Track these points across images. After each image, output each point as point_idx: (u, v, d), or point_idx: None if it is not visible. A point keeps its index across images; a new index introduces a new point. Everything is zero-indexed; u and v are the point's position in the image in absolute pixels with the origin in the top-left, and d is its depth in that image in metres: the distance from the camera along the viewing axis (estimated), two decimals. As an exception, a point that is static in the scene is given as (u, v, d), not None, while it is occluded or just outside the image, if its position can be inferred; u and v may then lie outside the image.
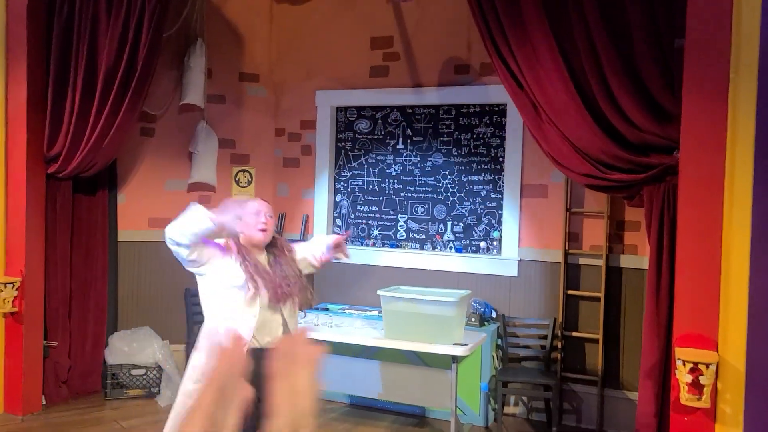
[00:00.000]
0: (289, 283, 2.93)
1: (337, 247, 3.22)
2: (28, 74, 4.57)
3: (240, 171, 5.86)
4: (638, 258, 4.62)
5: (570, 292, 4.81)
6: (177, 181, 5.60)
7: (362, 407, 4.96)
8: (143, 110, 5.18)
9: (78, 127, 4.71)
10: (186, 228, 2.75)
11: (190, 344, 5.33)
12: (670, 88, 3.37)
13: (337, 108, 5.74)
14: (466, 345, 4.02)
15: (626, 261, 4.67)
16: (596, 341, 4.72)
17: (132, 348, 5.12)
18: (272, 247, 3.04)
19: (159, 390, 5.06)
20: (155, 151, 5.55)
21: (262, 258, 3.00)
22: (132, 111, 4.86)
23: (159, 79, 5.26)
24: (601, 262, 4.70)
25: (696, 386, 3.02)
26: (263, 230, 2.92)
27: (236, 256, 2.89)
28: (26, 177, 4.59)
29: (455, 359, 4.08)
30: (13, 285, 4.56)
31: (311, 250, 3.27)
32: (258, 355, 2.54)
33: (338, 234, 3.31)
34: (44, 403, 4.81)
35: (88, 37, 4.67)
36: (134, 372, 5.07)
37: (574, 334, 4.80)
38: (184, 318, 5.48)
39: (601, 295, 4.68)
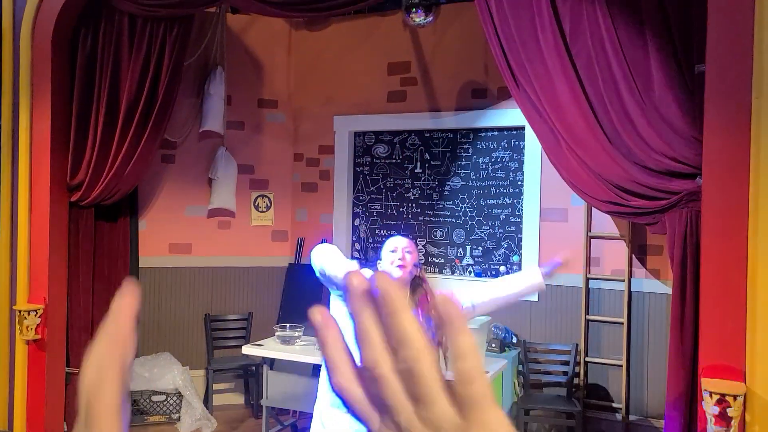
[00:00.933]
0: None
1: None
2: (52, 105, 4.65)
3: (259, 196, 5.89)
4: (661, 282, 4.56)
5: (591, 317, 4.75)
6: (197, 206, 5.65)
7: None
8: (164, 137, 5.25)
9: (100, 156, 4.77)
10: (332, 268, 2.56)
11: (210, 370, 5.35)
12: (690, 113, 3.33)
13: (355, 133, 5.77)
14: (487, 372, 3.98)
15: (649, 285, 4.61)
16: (619, 367, 4.64)
17: (152, 374, 5.14)
18: (417, 288, 2.76)
19: (179, 416, 5.06)
20: (175, 178, 5.61)
21: None
22: (153, 139, 4.92)
23: (179, 107, 5.33)
24: (623, 286, 4.64)
25: (723, 418, 2.95)
26: (401, 266, 2.70)
27: None
28: (49, 205, 4.66)
29: (476, 387, 4.03)
30: (36, 312, 4.61)
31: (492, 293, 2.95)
32: None
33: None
34: (66, 429, 4.83)
35: (110, 68, 4.75)
36: (154, 398, 5.09)
37: (597, 360, 4.73)
38: (204, 344, 5.49)
39: (624, 320, 4.61)
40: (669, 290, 4.33)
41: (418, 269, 2.78)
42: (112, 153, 4.79)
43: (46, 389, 4.65)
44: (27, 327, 4.58)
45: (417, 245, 5.52)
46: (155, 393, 5.08)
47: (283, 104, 5.92)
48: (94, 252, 5.07)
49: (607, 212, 3.79)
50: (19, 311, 4.59)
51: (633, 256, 4.65)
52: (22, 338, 4.63)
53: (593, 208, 4.67)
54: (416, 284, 2.74)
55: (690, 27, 3.30)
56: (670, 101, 3.35)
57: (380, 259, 2.77)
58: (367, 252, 5.75)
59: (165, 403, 5.10)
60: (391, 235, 5.56)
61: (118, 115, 4.78)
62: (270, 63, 5.88)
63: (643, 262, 4.64)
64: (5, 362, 4.87)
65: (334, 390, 0.43)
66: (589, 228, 4.77)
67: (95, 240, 5.07)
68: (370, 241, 5.74)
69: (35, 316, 4.60)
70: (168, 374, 5.13)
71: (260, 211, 5.90)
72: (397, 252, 2.72)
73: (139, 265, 5.44)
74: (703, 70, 3.18)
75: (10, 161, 4.83)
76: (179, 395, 5.11)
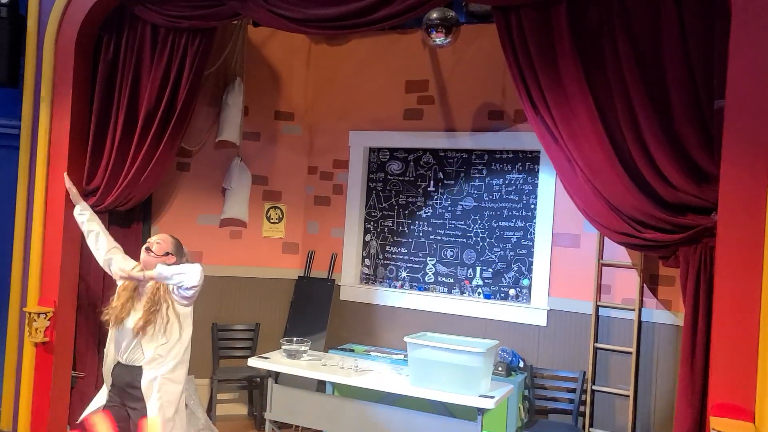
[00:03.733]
0: None
1: None
2: (72, 110, 4.70)
3: (271, 207, 5.91)
4: (672, 314, 4.52)
5: (600, 345, 4.72)
6: (209, 215, 5.68)
7: (384, 453, 4.88)
8: (180, 146, 5.28)
9: (117, 163, 4.81)
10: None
11: (215, 380, 5.35)
12: (708, 148, 3.32)
13: (370, 149, 5.79)
14: (492, 398, 3.95)
15: (659, 316, 4.57)
16: (627, 397, 4.60)
17: (158, 381, 5.13)
18: None
19: (182, 425, 5.05)
20: (190, 186, 5.64)
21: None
22: (170, 148, 4.95)
23: (197, 116, 5.37)
24: (633, 315, 4.61)
25: (732, 458, 2.91)
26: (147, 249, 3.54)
27: None
28: (64, 210, 4.70)
29: (481, 411, 4.01)
30: (46, 315, 4.64)
31: None
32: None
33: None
34: (69, 432, 4.84)
35: (131, 76, 4.80)
36: (159, 405, 5.08)
37: (604, 388, 4.69)
38: (210, 353, 5.50)
39: (633, 349, 4.58)
40: (680, 322, 4.30)
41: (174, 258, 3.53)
42: (129, 160, 4.83)
43: (52, 392, 4.67)
44: (36, 329, 4.61)
45: (427, 264, 5.51)
46: (159, 400, 5.07)
47: (300, 117, 5.95)
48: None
49: (620, 243, 3.78)
50: (29, 313, 4.63)
51: (644, 285, 4.62)
52: (31, 340, 4.66)
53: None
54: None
55: (711, 63, 3.30)
56: (688, 135, 3.35)
57: None
58: (376, 268, 5.75)
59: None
60: (401, 252, 5.58)
61: (136, 123, 4.82)
62: (288, 76, 5.92)
63: (654, 292, 4.61)
64: (13, 363, 4.90)
65: None
66: (601, 255, 4.75)
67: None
68: (380, 257, 5.74)
69: (45, 318, 4.63)
70: (173, 382, 5.13)
71: (272, 223, 5.92)
72: (148, 242, 3.56)
73: (150, 272, 5.45)
74: (722, 106, 3.17)
75: (28, 165, 4.88)
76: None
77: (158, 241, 3.56)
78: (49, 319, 4.64)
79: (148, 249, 3.51)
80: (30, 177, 4.87)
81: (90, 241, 4.23)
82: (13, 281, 4.91)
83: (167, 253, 3.51)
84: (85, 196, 4.88)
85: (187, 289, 3.30)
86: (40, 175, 4.78)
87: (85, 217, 4.39)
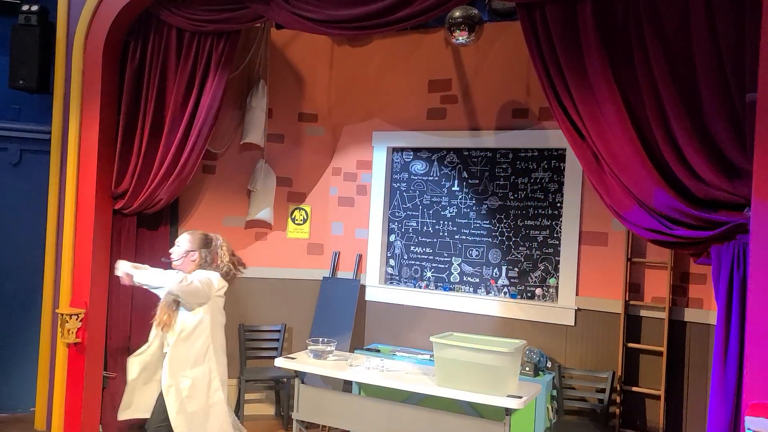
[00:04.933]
0: None
1: None
2: (100, 116, 4.78)
3: (296, 209, 5.94)
4: (704, 312, 4.44)
5: (630, 344, 4.65)
6: (235, 217, 5.73)
7: (411, 453, 4.87)
8: (206, 149, 5.32)
9: (144, 166, 4.88)
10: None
11: (242, 380, 5.39)
12: (740, 142, 3.25)
13: (394, 149, 5.79)
14: (520, 398, 3.92)
15: (691, 315, 4.49)
16: (657, 397, 4.53)
17: (186, 381, 5.18)
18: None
19: (211, 425, 5.10)
20: (215, 188, 5.69)
21: None
22: (196, 151, 5.00)
23: (221, 119, 5.41)
24: (663, 314, 4.53)
25: (768, 459, 2.85)
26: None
27: None
28: (94, 213, 4.78)
29: (508, 411, 3.97)
30: (77, 316, 4.72)
31: None
32: None
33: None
34: (101, 432, 4.92)
35: (157, 81, 4.86)
36: (187, 406, 5.13)
37: (634, 388, 4.62)
38: (237, 353, 5.54)
39: (664, 349, 4.50)
40: (711, 321, 4.22)
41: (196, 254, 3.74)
42: (156, 163, 4.90)
43: (84, 392, 4.75)
44: (68, 330, 4.69)
45: (452, 263, 5.48)
46: (188, 401, 5.12)
47: (323, 118, 5.97)
48: (135, 259, 5.15)
49: (650, 240, 3.71)
50: (62, 315, 4.71)
51: (675, 283, 4.54)
52: (63, 341, 4.75)
53: (635, 234, 4.58)
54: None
55: (742, 55, 3.22)
56: (719, 129, 3.28)
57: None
58: (401, 269, 5.74)
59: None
60: (425, 252, 5.57)
61: (163, 126, 4.89)
62: (311, 77, 5.94)
63: (685, 291, 4.53)
64: (46, 364, 5.00)
65: None
66: (629, 253, 4.68)
67: (136, 247, 5.17)
68: (405, 257, 5.73)
69: (76, 320, 4.71)
70: (201, 383, 5.18)
71: (297, 224, 5.95)
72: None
73: (177, 273, 5.51)
74: (754, 99, 3.10)
75: (59, 169, 4.98)
76: (211, 404, 5.14)
77: (177, 244, 3.71)
78: (80, 320, 4.72)
79: (169, 261, 3.74)
80: (61, 181, 4.96)
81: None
82: (46, 283, 5.01)
83: (188, 252, 3.67)
84: (114, 199, 4.96)
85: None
86: (70, 179, 4.86)
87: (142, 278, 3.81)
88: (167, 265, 3.78)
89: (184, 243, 3.69)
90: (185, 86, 4.84)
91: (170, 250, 3.71)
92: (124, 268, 3.72)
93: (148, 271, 3.65)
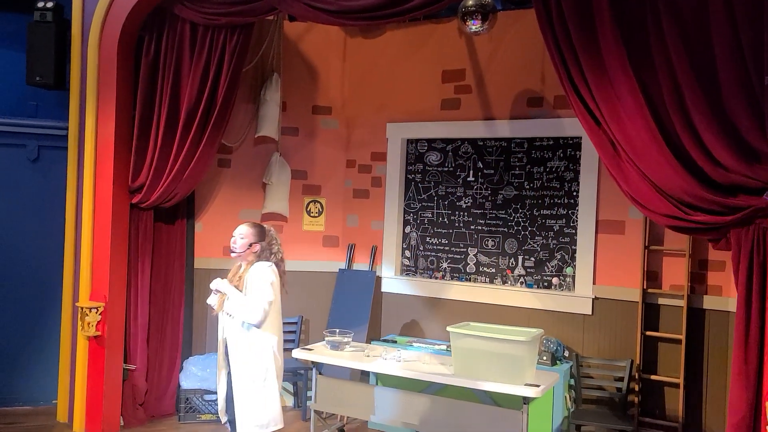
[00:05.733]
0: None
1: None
2: (116, 112, 4.83)
3: (311, 201, 5.96)
4: (723, 299, 4.40)
5: (648, 333, 4.62)
6: (251, 210, 5.75)
7: (429, 443, 4.88)
8: (221, 142, 5.36)
9: (160, 160, 4.92)
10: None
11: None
12: (760, 126, 3.21)
13: (408, 140, 5.78)
14: (538, 386, 3.91)
15: (710, 302, 4.45)
16: (677, 385, 4.50)
17: (205, 373, 5.24)
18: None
19: (230, 416, 5.15)
20: (231, 182, 5.72)
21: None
22: (211, 144, 5.04)
23: (236, 112, 5.44)
24: (682, 302, 4.50)
25: (790, 445, 2.82)
26: (232, 250, 3.71)
27: None
28: (112, 207, 4.83)
29: (526, 400, 3.97)
30: (97, 310, 4.77)
31: None
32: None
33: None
34: (122, 424, 4.98)
35: (171, 75, 4.89)
36: (207, 397, 5.19)
37: (653, 377, 4.59)
38: (255, 345, 5.56)
39: (682, 337, 4.47)
40: (731, 308, 4.18)
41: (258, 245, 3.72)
42: (172, 157, 4.93)
43: (105, 384, 4.81)
44: (88, 323, 4.75)
45: (468, 254, 5.48)
46: (207, 392, 5.18)
47: (337, 111, 5.97)
48: (153, 253, 5.22)
49: (668, 227, 3.68)
50: (81, 308, 4.77)
51: (693, 271, 4.50)
52: (84, 334, 4.81)
53: (652, 221, 4.55)
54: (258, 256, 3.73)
55: (761, 38, 3.17)
56: (738, 113, 3.24)
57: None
58: (417, 260, 5.74)
59: (217, 402, 5.19)
60: (441, 243, 5.56)
61: (178, 120, 4.92)
62: (325, 70, 5.94)
63: (703, 278, 4.49)
64: (67, 357, 5.06)
65: None
66: (647, 241, 4.64)
67: (154, 241, 5.23)
68: (421, 249, 5.73)
69: (96, 313, 4.77)
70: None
71: (312, 216, 5.97)
72: (232, 238, 3.70)
73: (194, 267, 5.56)
74: (773, 82, 3.07)
75: (76, 164, 5.03)
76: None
77: (241, 235, 3.69)
78: (100, 314, 4.78)
79: (232, 250, 3.70)
80: (78, 176, 5.02)
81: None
82: (65, 277, 5.07)
83: (251, 244, 3.69)
84: (131, 193, 5.00)
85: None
86: (87, 174, 4.91)
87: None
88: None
89: (247, 235, 3.71)
90: (199, 80, 4.86)
91: (233, 241, 3.70)
92: (221, 287, 3.71)
93: (233, 301, 3.64)
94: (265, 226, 3.84)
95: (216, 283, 3.73)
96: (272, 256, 3.79)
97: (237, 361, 3.64)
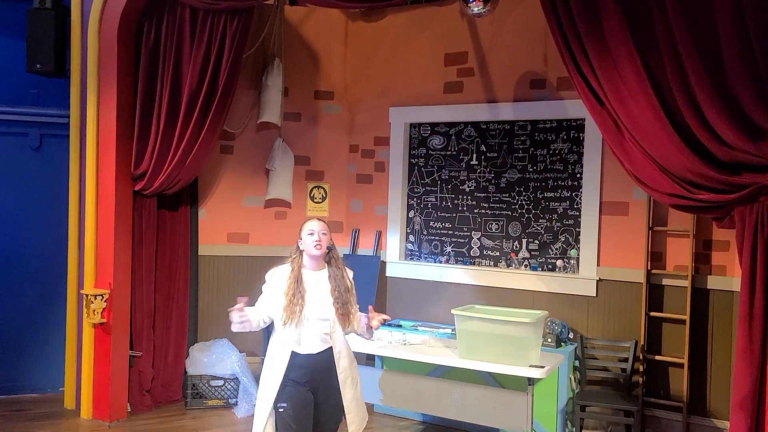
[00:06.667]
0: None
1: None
2: (117, 99, 4.81)
3: (315, 187, 5.95)
4: (727, 279, 4.39)
5: (652, 313, 4.62)
6: (254, 197, 5.76)
7: (435, 425, 4.92)
8: (223, 129, 5.35)
9: (163, 147, 4.91)
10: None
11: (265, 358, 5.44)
12: (764, 103, 3.19)
13: (411, 124, 5.76)
14: (543, 367, 3.92)
15: (714, 282, 4.45)
16: (681, 366, 4.51)
17: (211, 359, 5.26)
18: (330, 258, 3.38)
19: (237, 401, 5.18)
20: (234, 168, 5.72)
21: (318, 274, 3.31)
22: (213, 130, 5.03)
23: (238, 98, 5.42)
24: (686, 282, 4.50)
25: (795, 421, 2.83)
26: (317, 246, 3.25)
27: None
28: (115, 194, 4.83)
29: (531, 381, 3.98)
30: (102, 297, 4.79)
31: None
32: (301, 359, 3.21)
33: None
34: (129, 410, 5.01)
35: (172, 62, 4.88)
36: (213, 383, 5.22)
37: (657, 357, 4.60)
38: (260, 332, 5.58)
39: (687, 317, 4.47)
40: (735, 287, 4.18)
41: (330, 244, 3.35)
42: (174, 143, 4.93)
43: (111, 371, 4.83)
44: (93, 311, 4.77)
45: (472, 238, 5.48)
46: (214, 378, 5.21)
47: (340, 96, 5.95)
48: (156, 240, 5.23)
49: (672, 206, 3.67)
50: (86, 295, 4.79)
51: (697, 251, 4.49)
52: (89, 321, 4.83)
53: (656, 202, 4.54)
54: (329, 255, 3.35)
55: (765, 12, 3.14)
56: (742, 90, 3.21)
57: (301, 239, 3.28)
58: (421, 244, 5.74)
59: (223, 387, 5.23)
60: (445, 227, 5.56)
61: (179, 107, 4.91)
62: (327, 54, 5.92)
63: (707, 258, 4.48)
64: (73, 345, 5.09)
65: None
66: (651, 222, 4.63)
67: (157, 228, 5.23)
68: (425, 233, 5.73)
69: (101, 300, 4.78)
70: (226, 360, 5.25)
71: (316, 202, 5.96)
72: (314, 235, 3.24)
73: (199, 254, 5.57)
74: (778, 58, 3.04)
75: (78, 152, 5.03)
76: (236, 381, 5.22)
77: (323, 231, 3.26)
78: (105, 301, 4.79)
79: (318, 246, 3.23)
80: (81, 164, 5.02)
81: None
82: (70, 265, 5.08)
83: (331, 240, 3.35)
84: (134, 180, 5.00)
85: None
86: (90, 161, 4.91)
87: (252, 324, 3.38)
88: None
89: (328, 231, 3.31)
90: (200, 66, 4.85)
91: (319, 243, 3.22)
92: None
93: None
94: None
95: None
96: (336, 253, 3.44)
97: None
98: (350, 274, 3.43)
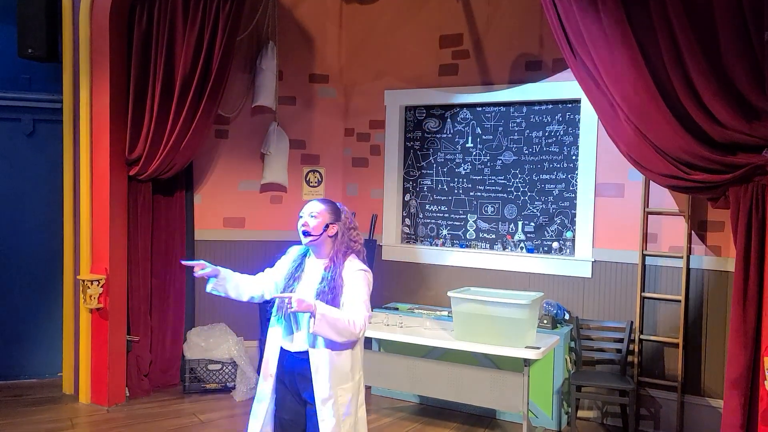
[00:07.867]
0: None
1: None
2: (110, 81, 4.78)
3: (310, 171, 5.94)
4: (722, 260, 4.41)
5: (647, 294, 4.65)
6: (250, 181, 5.74)
7: (432, 407, 4.96)
8: (218, 113, 5.32)
9: (157, 131, 4.89)
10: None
11: (262, 341, 5.46)
12: (759, 83, 3.18)
13: (406, 107, 5.74)
14: (538, 348, 3.95)
15: (709, 263, 4.47)
16: (676, 346, 4.54)
17: (209, 344, 5.28)
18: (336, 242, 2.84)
19: (234, 385, 5.21)
20: (229, 153, 5.70)
21: (318, 263, 2.85)
22: (208, 114, 5.00)
23: (232, 82, 5.39)
24: (681, 263, 4.51)
25: (788, 399, 2.86)
26: (305, 232, 2.80)
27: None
28: (110, 180, 4.81)
29: (527, 362, 4.01)
30: (99, 282, 4.79)
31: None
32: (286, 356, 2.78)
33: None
34: (127, 395, 5.03)
35: (165, 45, 4.83)
36: (211, 367, 5.24)
37: (652, 337, 4.63)
38: (257, 316, 5.61)
39: (682, 297, 4.50)
40: (730, 268, 4.19)
41: (335, 226, 2.80)
42: (168, 127, 4.90)
43: (109, 356, 4.85)
44: (90, 296, 4.77)
45: (468, 221, 5.48)
46: (211, 362, 5.23)
47: (335, 79, 5.92)
48: (152, 225, 5.22)
49: (667, 186, 3.68)
50: (83, 281, 4.79)
51: (692, 232, 4.51)
52: (86, 307, 4.83)
53: (651, 183, 4.54)
54: (335, 245, 2.81)
55: (761, -9, 3.13)
56: (737, 70, 3.21)
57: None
58: (417, 227, 5.74)
59: (221, 371, 5.25)
60: (441, 210, 5.56)
61: (173, 91, 4.88)
62: (321, 37, 5.88)
63: (702, 239, 4.50)
64: (71, 330, 5.10)
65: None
66: (646, 203, 4.64)
67: (153, 213, 5.22)
68: (420, 216, 5.73)
69: (98, 285, 4.78)
70: (223, 344, 5.27)
71: (311, 186, 5.95)
72: (302, 218, 2.80)
73: (195, 238, 5.56)
74: (773, 37, 3.03)
75: (72, 137, 5.00)
76: (234, 365, 5.25)
77: (312, 213, 2.79)
78: (102, 286, 4.79)
79: (306, 233, 2.80)
80: (75, 149, 4.99)
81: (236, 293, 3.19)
82: (66, 251, 5.08)
83: (328, 225, 2.79)
84: (129, 165, 4.98)
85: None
86: (84, 146, 4.89)
87: (226, 286, 3.17)
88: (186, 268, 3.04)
89: (321, 212, 2.78)
90: (193, 49, 4.81)
91: (303, 222, 2.79)
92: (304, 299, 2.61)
93: (327, 318, 2.61)
94: (336, 202, 2.92)
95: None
96: (355, 244, 2.87)
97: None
98: (356, 275, 2.77)
